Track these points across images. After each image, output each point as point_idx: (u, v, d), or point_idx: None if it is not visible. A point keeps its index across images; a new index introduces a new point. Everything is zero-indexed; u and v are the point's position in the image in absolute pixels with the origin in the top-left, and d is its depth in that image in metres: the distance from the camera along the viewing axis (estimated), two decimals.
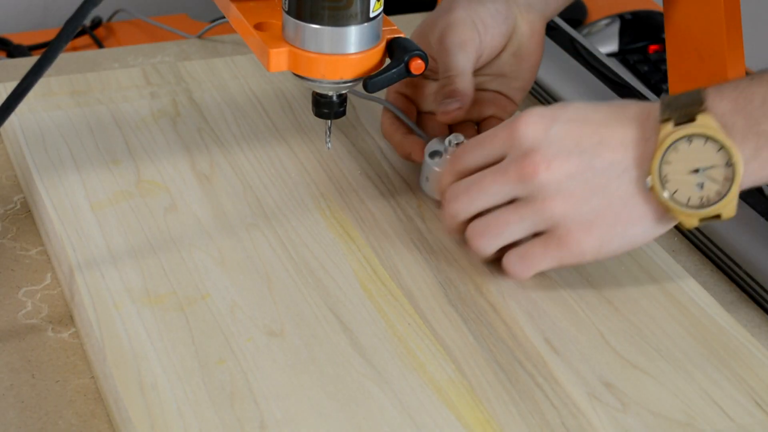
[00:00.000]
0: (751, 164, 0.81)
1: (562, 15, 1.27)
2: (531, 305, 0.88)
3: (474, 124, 1.01)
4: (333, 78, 0.87)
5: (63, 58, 1.18)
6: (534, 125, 0.85)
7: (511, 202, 0.86)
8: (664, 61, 1.25)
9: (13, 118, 1.04)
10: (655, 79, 1.23)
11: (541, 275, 0.90)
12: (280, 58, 0.87)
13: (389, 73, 0.88)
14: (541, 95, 1.17)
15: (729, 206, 0.82)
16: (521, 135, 0.85)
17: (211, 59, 1.16)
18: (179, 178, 0.98)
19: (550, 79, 1.16)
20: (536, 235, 0.86)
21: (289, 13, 0.86)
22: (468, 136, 0.94)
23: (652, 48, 1.29)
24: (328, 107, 0.91)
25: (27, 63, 1.19)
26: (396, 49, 0.88)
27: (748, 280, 0.94)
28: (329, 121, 0.93)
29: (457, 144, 0.94)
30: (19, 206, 1.00)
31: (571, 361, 0.83)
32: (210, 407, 0.77)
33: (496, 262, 0.89)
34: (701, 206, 0.82)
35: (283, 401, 0.78)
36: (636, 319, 0.87)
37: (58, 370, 0.84)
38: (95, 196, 0.96)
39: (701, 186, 0.82)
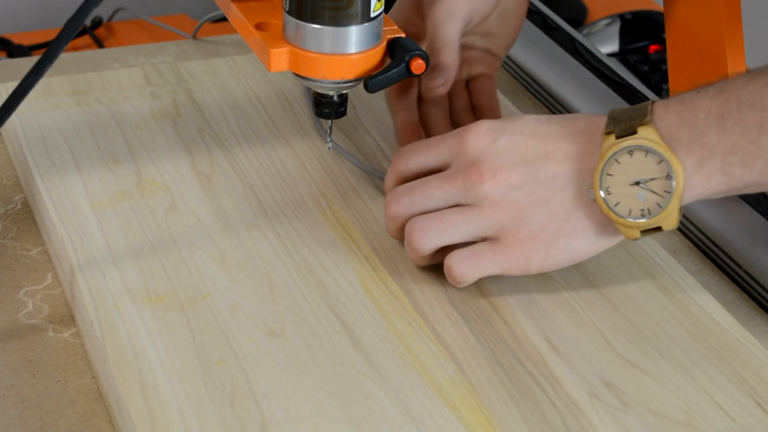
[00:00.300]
0: (696, 177, 0.82)
1: (563, 15, 1.27)
2: (532, 305, 0.88)
3: (473, 113, 1.01)
4: (334, 78, 0.88)
5: (63, 58, 1.19)
6: (482, 137, 0.86)
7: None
8: (664, 61, 1.25)
9: (14, 118, 1.04)
10: (656, 79, 1.23)
11: (541, 274, 0.90)
12: (280, 58, 0.87)
13: (390, 72, 0.88)
14: (542, 95, 1.17)
15: (669, 218, 0.83)
16: (469, 144, 0.86)
17: (212, 59, 1.16)
18: (180, 178, 0.99)
19: (551, 79, 1.16)
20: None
21: (289, 13, 0.87)
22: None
23: (653, 48, 1.29)
24: (328, 107, 0.91)
25: (27, 63, 1.19)
26: (397, 49, 0.88)
27: (749, 279, 0.94)
28: (330, 120, 0.93)
29: None
30: (19, 206, 1.00)
31: (571, 360, 0.83)
32: (210, 407, 0.77)
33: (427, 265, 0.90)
34: (642, 217, 0.83)
35: (284, 401, 0.78)
36: (636, 318, 0.87)
37: (59, 370, 0.84)
38: (96, 196, 0.96)
39: (642, 198, 0.83)
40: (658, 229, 0.83)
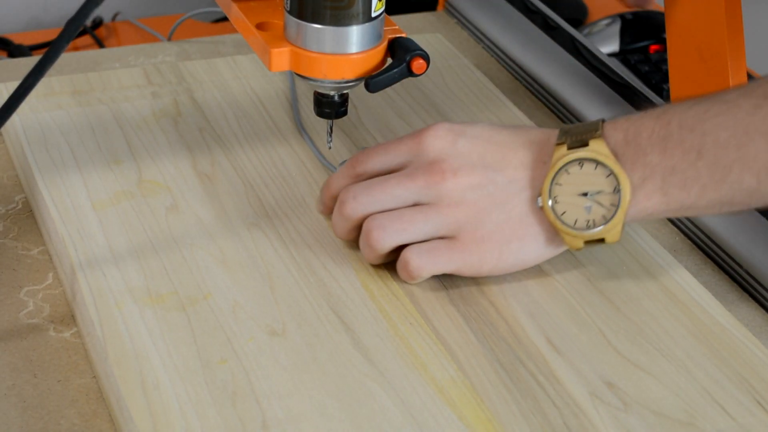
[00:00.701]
0: (638, 193, 0.83)
1: (563, 15, 1.27)
2: (532, 304, 0.88)
3: None
4: (335, 78, 0.88)
5: (64, 58, 1.19)
6: (441, 138, 0.87)
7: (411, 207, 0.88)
8: (665, 61, 1.25)
9: (15, 118, 1.04)
10: (656, 79, 1.23)
11: (542, 274, 0.90)
12: (281, 57, 0.87)
13: (391, 72, 0.88)
14: (542, 95, 1.17)
15: (613, 231, 0.84)
16: (428, 145, 0.87)
17: (213, 59, 1.16)
18: (181, 178, 0.99)
19: (551, 79, 1.16)
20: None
21: (290, 12, 0.87)
22: None
23: (653, 48, 1.29)
24: (329, 107, 0.91)
25: (27, 63, 1.19)
26: (398, 49, 0.88)
27: (749, 279, 0.94)
28: (331, 120, 0.93)
29: None
30: (20, 206, 1.00)
31: (572, 360, 0.83)
32: (212, 407, 0.77)
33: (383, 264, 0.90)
34: (587, 228, 0.84)
35: (285, 401, 0.78)
36: (637, 318, 0.87)
37: (60, 370, 0.84)
38: (97, 196, 0.96)
39: (589, 209, 0.84)
40: (601, 240, 0.85)
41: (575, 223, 0.85)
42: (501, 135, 0.88)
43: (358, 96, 1.10)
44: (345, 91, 0.90)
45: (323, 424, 0.77)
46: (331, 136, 0.95)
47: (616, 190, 0.83)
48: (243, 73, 1.14)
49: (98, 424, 0.80)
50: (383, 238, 0.87)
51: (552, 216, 0.85)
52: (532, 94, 1.18)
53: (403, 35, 0.90)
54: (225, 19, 1.41)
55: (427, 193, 0.87)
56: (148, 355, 0.81)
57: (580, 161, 0.84)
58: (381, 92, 1.11)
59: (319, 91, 0.90)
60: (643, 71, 1.24)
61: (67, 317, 0.88)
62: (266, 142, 1.04)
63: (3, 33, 1.34)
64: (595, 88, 1.15)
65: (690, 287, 0.90)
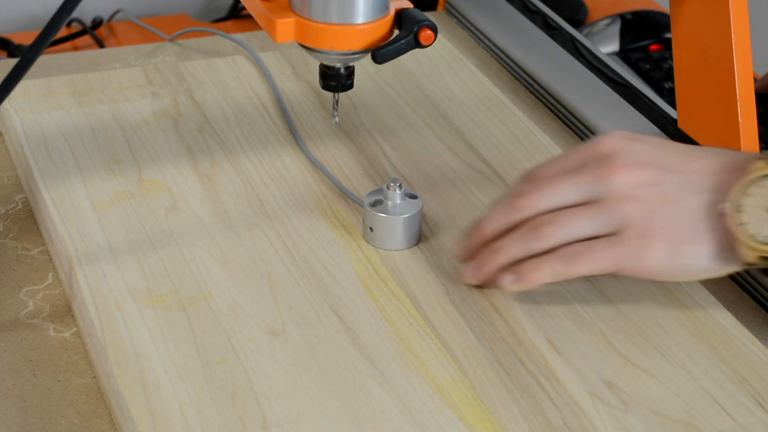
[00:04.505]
0: None
1: (563, 15, 1.27)
2: (532, 305, 0.88)
3: None
4: (341, 49, 0.86)
5: (64, 58, 1.19)
6: (617, 139, 0.85)
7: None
8: (665, 60, 1.25)
9: (15, 118, 1.04)
10: (657, 77, 1.23)
11: None
12: (286, 28, 0.85)
13: (398, 44, 0.85)
14: (542, 95, 1.17)
15: None
16: (603, 145, 0.85)
17: (212, 59, 1.16)
18: (181, 178, 0.99)
19: (552, 79, 1.16)
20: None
21: None
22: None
23: (653, 47, 1.29)
24: (335, 80, 0.89)
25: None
26: (404, 20, 0.86)
27: (749, 279, 0.94)
28: (336, 94, 0.92)
29: (398, 186, 0.92)
30: (20, 206, 1.00)
31: (572, 360, 0.83)
32: (212, 407, 0.77)
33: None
34: (765, 243, 0.81)
35: (285, 401, 0.78)
36: (637, 318, 0.87)
37: (60, 370, 0.84)
38: (97, 196, 0.96)
39: None
40: None
41: (756, 235, 0.81)
42: (682, 146, 0.86)
43: (359, 96, 1.10)
44: (351, 63, 0.88)
45: (323, 424, 0.77)
46: (336, 109, 0.93)
47: None
48: (243, 73, 1.14)
49: (98, 424, 0.80)
50: (548, 233, 0.84)
51: (734, 222, 0.81)
52: (532, 94, 1.18)
53: (410, 6, 0.88)
54: (225, 19, 1.41)
55: (596, 188, 0.84)
56: (148, 355, 0.81)
57: None
58: (381, 92, 1.11)
59: (325, 63, 0.88)
60: (644, 69, 1.24)
61: (67, 317, 0.88)
62: (266, 142, 1.04)
63: (3, 33, 1.34)
64: (595, 88, 1.15)
65: (690, 287, 0.90)
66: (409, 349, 0.83)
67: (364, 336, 0.84)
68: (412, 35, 0.85)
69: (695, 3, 1.01)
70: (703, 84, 1.01)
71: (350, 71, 0.89)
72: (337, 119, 0.94)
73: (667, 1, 1.06)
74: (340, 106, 1.09)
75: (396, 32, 0.87)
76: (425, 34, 0.85)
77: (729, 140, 0.99)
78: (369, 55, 0.87)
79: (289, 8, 0.86)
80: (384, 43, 0.86)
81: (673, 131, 1.06)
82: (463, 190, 0.99)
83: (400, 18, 0.87)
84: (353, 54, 0.87)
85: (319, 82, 0.90)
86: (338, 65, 0.88)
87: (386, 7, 0.87)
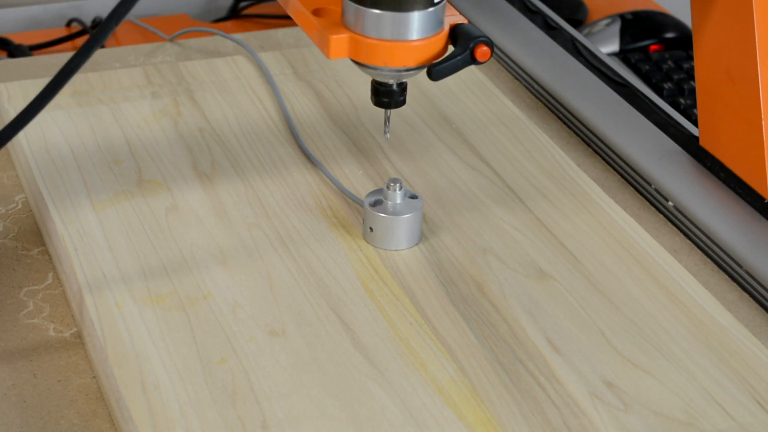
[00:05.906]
0: None
1: (563, 15, 1.27)
2: (532, 305, 0.88)
3: None
4: (395, 65, 0.85)
5: (64, 58, 1.18)
6: None
7: None
8: (665, 60, 1.25)
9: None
10: (656, 78, 1.23)
11: (542, 274, 0.90)
12: (340, 44, 0.84)
13: (454, 60, 0.84)
14: (542, 95, 1.17)
15: None
16: None
17: (213, 59, 1.16)
18: (181, 178, 0.99)
19: (551, 79, 1.16)
20: None
21: None
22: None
23: (653, 48, 1.29)
24: (388, 96, 0.88)
25: (27, 63, 1.19)
26: (460, 36, 0.85)
27: (749, 279, 0.94)
28: (388, 111, 0.90)
29: (398, 186, 0.92)
30: (20, 206, 1.00)
31: (572, 360, 0.83)
32: (212, 407, 0.77)
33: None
34: None
35: (285, 401, 0.78)
36: (637, 318, 0.87)
37: (60, 370, 0.84)
38: (97, 196, 0.96)
39: None
40: None
41: None
42: None
43: (358, 96, 1.10)
44: (404, 80, 0.87)
45: (323, 424, 0.77)
46: (388, 126, 0.92)
47: None
48: (243, 73, 1.14)
49: (98, 424, 0.80)
50: None
51: None
52: (532, 94, 1.18)
53: (465, 21, 0.86)
54: (225, 19, 1.41)
55: None
56: (148, 355, 0.81)
57: None
58: None
59: (377, 79, 0.87)
60: (643, 71, 1.24)
61: (67, 317, 0.88)
62: (266, 142, 1.04)
63: (3, 33, 1.34)
64: (595, 88, 1.14)
65: (690, 287, 0.90)
66: (409, 349, 0.83)
67: (364, 336, 0.84)
68: (468, 51, 0.84)
69: (719, 20, 0.99)
70: (726, 102, 0.99)
71: (403, 87, 0.88)
72: (388, 135, 0.92)
73: (667, 1, 1.06)
74: (342, 107, 1.09)
75: (450, 48, 0.86)
76: (481, 51, 0.84)
77: (753, 159, 0.97)
78: (424, 72, 0.85)
79: (342, 24, 0.85)
80: (439, 59, 0.85)
81: (695, 150, 1.04)
82: (464, 190, 0.99)
83: (455, 34, 0.85)
84: (407, 70, 0.85)
85: (371, 98, 0.89)
86: (391, 81, 0.87)
87: (440, 23, 0.85)
